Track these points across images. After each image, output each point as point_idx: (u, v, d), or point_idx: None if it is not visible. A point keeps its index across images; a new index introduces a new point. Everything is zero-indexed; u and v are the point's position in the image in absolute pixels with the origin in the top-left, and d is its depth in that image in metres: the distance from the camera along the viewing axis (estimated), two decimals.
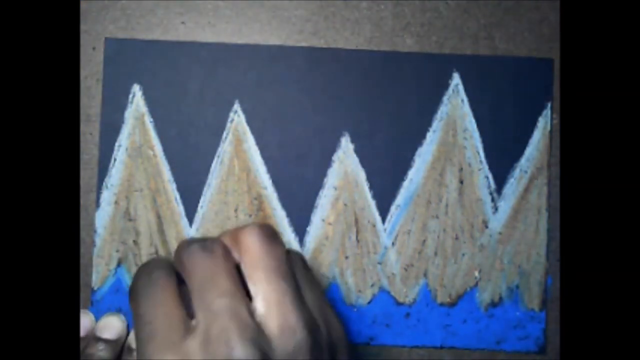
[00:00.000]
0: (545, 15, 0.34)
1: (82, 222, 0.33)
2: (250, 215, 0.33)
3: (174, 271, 0.24)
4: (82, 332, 0.32)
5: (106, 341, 0.32)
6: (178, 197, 0.33)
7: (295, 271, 0.24)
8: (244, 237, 0.24)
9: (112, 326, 0.32)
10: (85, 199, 0.33)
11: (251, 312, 0.22)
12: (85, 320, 0.33)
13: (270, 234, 0.24)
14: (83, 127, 0.34)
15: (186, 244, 0.24)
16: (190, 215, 0.33)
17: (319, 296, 0.24)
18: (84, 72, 0.34)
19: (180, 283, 0.24)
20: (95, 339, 0.32)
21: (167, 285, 0.23)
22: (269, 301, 0.22)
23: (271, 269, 0.23)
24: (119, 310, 0.33)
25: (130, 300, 0.24)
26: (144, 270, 0.24)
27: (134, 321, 0.23)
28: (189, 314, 0.23)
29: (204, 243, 0.24)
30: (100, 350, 0.31)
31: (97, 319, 0.33)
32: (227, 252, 0.24)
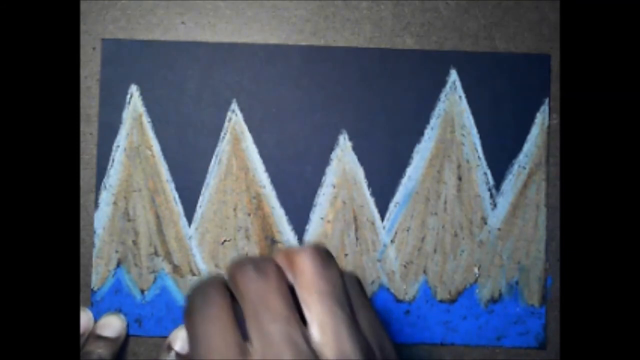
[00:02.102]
0: (544, 15, 0.34)
1: (82, 223, 0.33)
2: (249, 214, 0.33)
3: (228, 291, 0.24)
4: (115, 333, 0.32)
5: (105, 339, 0.32)
6: (177, 196, 0.33)
7: (350, 294, 0.24)
8: (298, 259, 0.24)
9: (112, 325, 0.32)
10: (85, 199, 0.33)
11: (307, 338, 0.22)
12: (84, 319, 0.33)
13: (325, 257, 0.24)
14: (83, 127, 0.34)
15: (239, 265, 0.24)
16: (189, 214, 0.33)
17: (374, 319, 0.24)
18: (83, 72, 0.34)
19: (234, 301, 0.24)
20: (95, 336, 0.32)
21: (222, 306, 0.23)
22: (325, 328, 0.22)
23: (326, 293, 0.23)
24: (119, 311, 0.33)
25: (186, 318, 0.24)
26: (199, 290, 0.24)
27: (190, 340, 0.23)
28: (243, 334, 0.22)
29: (258, 264, 0.24)
30: (100, 348, 0.31)
31: (97, 319, 0.33)
32: (280, 274, 0.24)
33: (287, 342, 0.21)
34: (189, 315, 0.23)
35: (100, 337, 0.32)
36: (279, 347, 0.21)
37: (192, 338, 0.23)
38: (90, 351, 0.31)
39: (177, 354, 0.32)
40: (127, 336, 0.33)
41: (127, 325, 0.33)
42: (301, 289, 0.23)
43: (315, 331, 0.22)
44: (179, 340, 0.32)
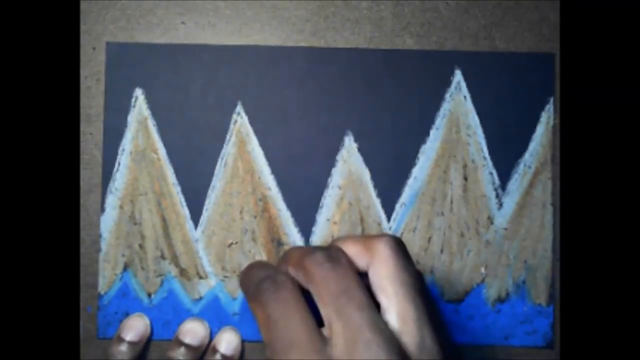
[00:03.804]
0: (545, 15, 0.34)
1: (83, 223, 0.33)
2: (255, 217, 0.33)
3: (294, 281, 0.24)
4: (137, 337, 0.32)
5: (188, 346, 0.32)
6: (183, 200, 0.33)
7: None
8: (379, 247, 0.24)
9: (195, 332, 0.32)
10: (85, 199, 0.33)
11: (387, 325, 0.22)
12: (140, 324, 0.32)
13: (405, 249, 0.24)
14: (83, 127, 0.34)
15: (309, 253, 0.24)
16: (196, 218, 0.33)
17: (440, 318, 0.24)
18: (84, 73, 0.34)
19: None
20: (177, 342, 0.32)
21: (296, 292, 0.23)
22: (406, 317, 0.22)
23: (409, 284, 0.23)
24: (126, 315, 0.33)
25: (255, 303, 0.23)
26: (265, 274, 0.24)
27: (263, 323, 0.23)
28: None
29: (329, 252, 0.24)
30: (182, 355, 0.31)
31: (103, 324, 0.33)
32: (351, 262, 0.24)
33: (374, 329, 0.21)
34: (259, 300, 0.23)
35: (183, 344, 0.32)
36: (365, 335, 0.21)
37: (268, 322, 0.23)
38: (171, 357, 0.31)
39: (223, 356, 0.32)
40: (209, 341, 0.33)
41: (210, 332, 0.33)
42: (380, 277, 0.23)
43: (393, 319, 0.22)
44: (224, 342, 0.32)
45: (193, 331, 0.32)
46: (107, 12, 0.34)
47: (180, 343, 0.32)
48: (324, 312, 0.22)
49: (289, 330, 0.22)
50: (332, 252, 0.24)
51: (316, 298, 0.23)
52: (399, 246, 0.24)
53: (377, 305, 0.23)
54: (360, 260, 0.24)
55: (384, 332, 0.22)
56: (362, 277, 0.24)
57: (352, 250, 0.24)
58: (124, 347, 0.31)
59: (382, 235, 0.24)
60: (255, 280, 0.24)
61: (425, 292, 0.24)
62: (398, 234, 0.34)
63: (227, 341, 0.32)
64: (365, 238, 0.24)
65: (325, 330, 0.22)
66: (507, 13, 0.34)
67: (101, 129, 0.34)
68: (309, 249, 0.24)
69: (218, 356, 0.32)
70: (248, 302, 0.25)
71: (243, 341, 0.33)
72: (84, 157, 0.34)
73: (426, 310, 0.23)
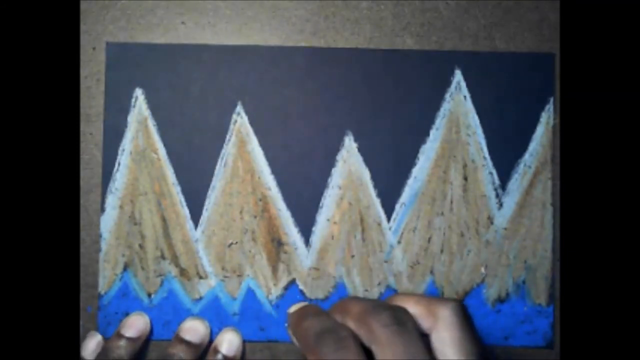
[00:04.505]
0: (545, 15, 0.34)
1: (83, 222, 0.33)
2: (255, 217, 0.33)
3: (355, 334, 0.23)
4: (136, 333, 0.32)
5: (188, 344, 0.32)
6: (183, 200, 0.33)
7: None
8: (444, 313, 0.24)
9: (196, 330, 0.32)
10: (85, 199, 0.33)
11: None
12: (140, 322, 0.32)
13: (469, 316, 0.24)
14: (83, 127, 0.34)
15: (374, 311, 0.23)
16: (196, 218, 0.33)
17: None
18: (84, 72, 0.34)
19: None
20: (178, 340, 0.32)
21: (361, 353, 0.23)
22: None
23: (472, 354, 0.23)
24: (126, 315, 0.33)
25: (311, 353, 0.23)
26: (326, 326, 0.23)
27: None
28: None
29: (396, 313, 0.23)
30: (182, 352, 0.31)
31: (104, 324, 0.33)
32: (416, 325, 0.23)
33: None
34: (318, 354, 0.23)
35: (184, 341, 0.32)
36: None
37: None
38: (172, 354, 0.31)
39: (225, 357, 0.32)
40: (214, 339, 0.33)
41: (211, 331, 0.33)
42: (444, 344, 0.23)
43: None
44: (226, 342, 0.32)
45: (193, 329, 0.32)
46: (107, 12, 0.34)
47: (181, 340, 0.32)
48: None
49: None
50: (399, 314, 0.23)
51: (378, 357, 0.22)
52: (464, 313, 0.24)
53: None
54: (424, 323, 0.24)
55: None
56: (424, 340, 0.24)
57: (415, 311, 0.24)
58: (122, 343, 0.31)
59: (447, 300, 0.24)
60: (314, 331, 0.24)
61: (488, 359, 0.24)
62: (398, 234, 0.34)
63: (229, 342, 0.32)
64: (429, 300, 0.24)
65: None
66: (507, 13, 0.34)
67: (101, 129, 0.34)
68: (372, 305, 0.24)
69: (219, 356, 0.32)
70: (303, 352, 0.24)
71: (244, 342, 0.33)
72: (84, 157, 0.34)
73: None
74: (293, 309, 0.28)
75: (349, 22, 0.34)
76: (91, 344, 0.32)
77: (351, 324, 0.24)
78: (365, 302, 0.24)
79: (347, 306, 0.25)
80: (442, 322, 0.23)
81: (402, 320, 0.23)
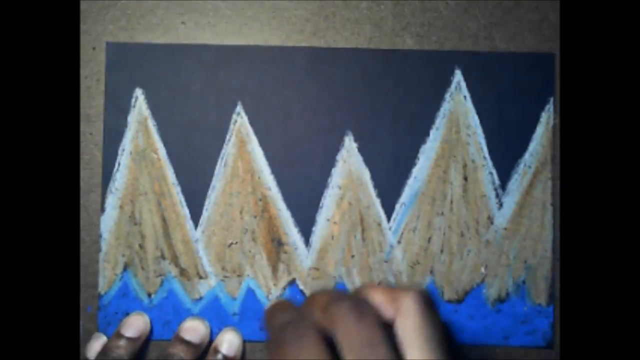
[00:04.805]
0: (545, 15, 0.34)
1: (83, 222, 0.33)
2: (255, 217, 0.33)
3: (317, 328, 0.24)
4: (136, 333, 0.32)
5: (188, 344, 0.32)
6: (183, 200, 0.33)
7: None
8: (405, 300, 0.24)
9: (196, 330, 0.32)
10: (85, 199, 0.33)
11: None
12: (140, 322, 0.33)
13: (431, 302, 0.24)
14: (83, 127, 0.34)
15: (335, 300, 0.24)
16: (196, 218, 0.33)
17: None
18: (84, 72, 0.34)
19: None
20: (178, 339, 0.32)
21: (318, 341, 0.23)
22: None
23: (434, 340, 0.23)
24: (126, 315, 0.33)
25: (273, 343, 0.23)
26: (289, 318, 0.24)
27: None
28: None
29: (356, 303, 0.24)
30: (182, 352, 0.31)
31: (104, 324, 0.33)
32: (378, 315, 0.24)
33: None
34: (278, 345, 0.23)
35: (184, 341, 0.32)
36: None
37: None
38: (172, 354, 0.31)
39: (225, 357, 0.32)
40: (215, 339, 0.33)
41: (211, 331, 0.33)
42: (406, 331, 0.23)
43: None
44: (226, 342, 0.32)
45: (194, 329, 0.32)
46: (107, 12, 0.34)
47: (181, 340, 0.32)
48: None
49: None
50: (359, 303, 0.24)
51: (340, 347, 0.23)
52: (425, 300, 0.24)
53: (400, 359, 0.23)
54: (387, 311, 0.24)
55: None
56: (388, 328, 0.24)
57: (379, 300, 0.24)
58: (122, 342, 0.32)
59: (409, 288, 0.24)
60: (278, 324, 0.24)
61: (449, 347, 0.24)
62: (398, 234, 0.34)
63: (229, 341, 0.32)
64: (393, 290, 0.25)
65: None
66: (507, 13, 0.34)
67: (101, 129, 0.34)
68: (335, 295, 0.24)
69: (220, 356, 0.32)
70: (268, 345, 0.25)
71: (244, 341, 0.33)
72: (84, 157, 0.34)
73: None
74: (267, 305, 0.29)
75: (349, 22, 0.34)
76: (96, 345, 0.32)
77: (317, 314, 0.24)
78: (331, 293, 0.25)
79: (314, 298, 0.25)
80: (403, 309, 0.24)
81: (361, 308, 0.23)
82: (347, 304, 0.23)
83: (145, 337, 0.33)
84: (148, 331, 0.33)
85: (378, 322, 0.23)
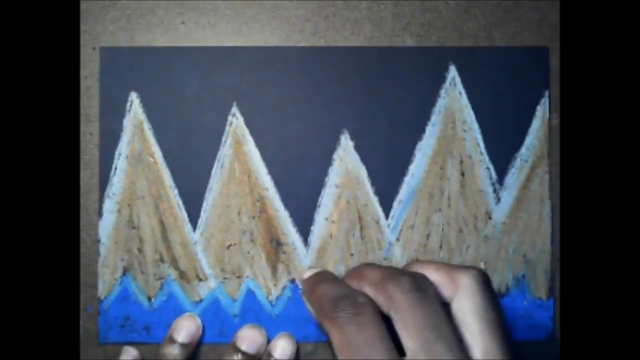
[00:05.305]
0: (545, 15, 0.34)
1: (83, 222, 0.33)
2: (253, 217, 0.33)
3: (374, 305, 0.23)
4: (189, 338, 0.32)
5: (244, 354, 0.31)
6: (180, 202, 0.33)
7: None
8: (465, 280, 0.23)
9: (253, 340, 0.32)
10: (85, 199, 0.33)
11: None
12: (192, 324, 0.32)
13: (489, 282, 0.23)
14: (83, 127, 0.34)
15: (393, 277, 0.23)
16: (194, 220, 0.33)
17: (519, 355, 0.23)
18: (83, 72, 0.34)
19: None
20: (234, 348, 0.31)
21: (378, 318, 0.22)
22: (489, 357, 0.22)
23: (495, 323, 0.22)
24: (127, 319, 0.33)
25: (327, 320, 0.23)
26: (342, 293, 0.23)
27: (340, 346, 0.22)
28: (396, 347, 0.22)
29: (415, 279, 0.23)
30: None
31: (104, 328, 0.33)
32: (437, 293, 0.23)
33: None
34: (335, 321, 0.22)
35: (240, 351, 0.31)
36: None
37: (346, 347, 0.22)
38: None
39: (244, 354, 0.31)
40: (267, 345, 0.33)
41: (267, 340, 0.32)
42: (465, 312, 0.22)
43: (478, 358, 0.22)
44: (279, 348, 0.32)
45: (250, 338, 0.32)
46: (107, 12, 0.34)
47: (237, 349, 0.31)
48: (409, 343, 0.22)
49: (370, 358, 0.21)
50: (419, 281, 0.23)
51: (399, 327, 0.22)
52: (485, 281, 0.23)
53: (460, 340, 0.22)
54: (444, 290, 0.23)
55: None
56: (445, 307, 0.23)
57: (436, 278, 0.23)
58: (176, 350, 0.31)
59: (468, 267, 0.23)
60: (330, 297, 0.23)
61: (508, 329, 0.23)
62: (397, 231, 0.34)
63: (282, 347, 0.32)
64: (450, 267, 0.24)
65: None
66: (507, 13, 0.34)
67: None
68: (390, 271, 0.23)
69: (239, 356, 0.31)
70: (317, 319, 0.24)
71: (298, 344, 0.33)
72: (84, 157, 0.34)
73: (511, 350, 0.22)
74: (307, 274, 0.28)
75: (349, 22, 0.34)
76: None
77: (368, 291, 0.23)
78: (383, 268, 0.24)
79: (363, 272, 0.24)
80: (463, 289, 0.23)
81: (422, 286, 0.22)
82: (407, 281, 0.22)
83: (197, 339, 0.32)
84: (200, 334, 0.33)
85: (438, 301, 0.22)
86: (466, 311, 0.23)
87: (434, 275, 0.24)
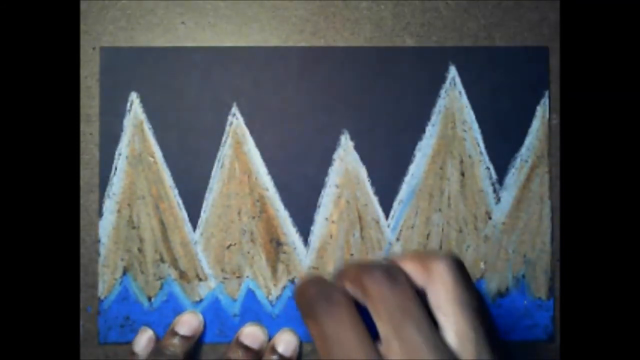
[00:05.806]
0: (545, 15, 0.34)
1: (83, 222, 0.33)
2: (253, 218, 0.33)
3: (350, 297, 0.24)
4: (190, 331, 0.32)
5: (248, 349, 0.32)
6: (180, 202, 0.33)
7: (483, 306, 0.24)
8: (438, 267, 0.24)
9: (255, 335, 0.32)
10: (85, 199, 0.33)
11: (445, 344, 0.22)
12: (194, 320, 0.33)
13: (462, 267, 0.24)
14: (83, 127, 0.34)
15: (368, 270, 0.24)
16: (194, 220, 0.33)
17: (498, 338, 0.24)
18: (84, 72, 0.34)
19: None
20: (237, 344, 0.32)
21: (351, 308, 0.23)
22: (463, 338, 0.22)
23: (467, 305, 0.23)
24: (127, 319, 0.33)
25: (307, 317, 0.24)
26: (320, 290, 0.24)
27: (318, 340, 0.23)
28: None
29: (388, 271, 0.24)
30: (242, 357, 0.32)
31: (104, 328, 0.33)
32: (409, 280, 0.24)
33: (432, 348, 0.22)
34: (313, 317, 0.23)
35: (242, 346, 0.32)
36: (424, 354, 0.21)
37: (323, 339, 0.23)
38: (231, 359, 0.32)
39: (281, 356, 0.32)
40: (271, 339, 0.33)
41: (268, 333, 0.33)
42: (439, 297, 0.23)
43: (451, 339, 0.22)
44: (283, 343, 0.32)
45: (253, 334, 0.32)
46: (107, 12, 0.34)
47: (240, 345, 0.32)
48: (382, 329, 0.22)
49: (344, 347, 0.22)
50: (391, 271, 0.24)
51: (374, 315, 0.23)
52: (458, 266, 0.24)
53: (435, 324, 0.23)
54: (419, 279, 0.24)
55: (442, 352, 0.22)
56: (420, 295, 0.24)
57: (410, 268, 0.24)
58: (176, 341, 0.32)
59: (441, 255, 0.24)
60: (309, 297, 0.24)
61: (484, 311, 0.24)
62: (396, 231, 0.34)
63: (286, 342, 0.32)
64: (424, 257, 0.24)
65: (381, 347, 0.22)
66: (507, 13, 0.34)
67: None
68: (367, 266, 0.24)
69: (276, 357, 0.32)
70: (302, 319, 0.25)
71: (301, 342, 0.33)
72: (84, 157, 0.34)
73: (485, 331, 0.23)
74: (297, 281, 0.28)
75: (349, 22, 0.34)
76: (143, 339, 0.32)
77: (348, 286, 0.24)
78: (360, 264, 0.25)
79: (345, 270, 0.25)
80: (436, 276, 0.23)
81: (393, 276, 0.23)
82: (379, 272, 0.23)
83: (198, 335, 0.33)
84: (202, 330, 0.33)
85: (411, 288, 0.23)
86: (439, 296, 0.23)
87: (408, 265, 0.24)
